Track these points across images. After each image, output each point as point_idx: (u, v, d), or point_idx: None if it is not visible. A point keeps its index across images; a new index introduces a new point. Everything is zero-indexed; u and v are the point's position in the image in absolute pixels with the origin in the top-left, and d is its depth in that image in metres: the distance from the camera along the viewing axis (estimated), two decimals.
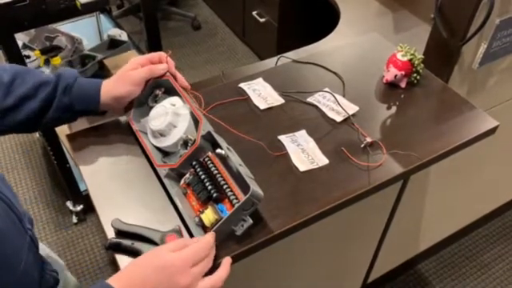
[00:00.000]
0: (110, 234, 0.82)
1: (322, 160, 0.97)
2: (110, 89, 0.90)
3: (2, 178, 0.73)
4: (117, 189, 0.91)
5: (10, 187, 0.75)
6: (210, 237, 0.75)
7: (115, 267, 0.79)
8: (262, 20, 2.59)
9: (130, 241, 0.79)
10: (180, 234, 0.80)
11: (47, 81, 0.88)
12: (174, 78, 0.94)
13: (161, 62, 0.94)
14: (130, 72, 0.91)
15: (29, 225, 0.76)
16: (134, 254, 0.78)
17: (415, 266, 1.98)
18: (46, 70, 2.12)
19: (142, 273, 0.68)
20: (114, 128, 1.00)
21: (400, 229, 1.52)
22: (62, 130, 1.71)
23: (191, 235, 0.80)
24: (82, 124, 1.06)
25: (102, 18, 2.53)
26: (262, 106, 1.09)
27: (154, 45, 1.80)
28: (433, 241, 1.93)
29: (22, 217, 0.72)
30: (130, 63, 0.92)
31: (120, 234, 0.81)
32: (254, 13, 2.63)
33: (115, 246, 0.80)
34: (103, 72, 2.09)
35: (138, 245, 0.79)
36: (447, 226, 1.93)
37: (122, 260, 0.79)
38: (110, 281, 0.66)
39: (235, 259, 0.81)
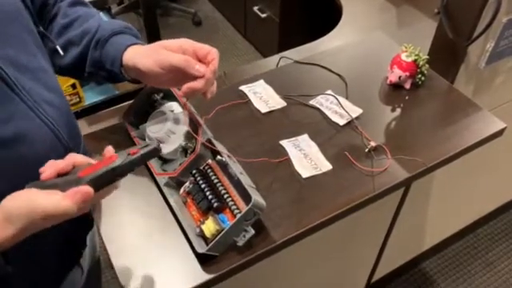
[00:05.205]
0: (107, 238, 0.82)
1: (326, 165, 0.94)
2: (134, 55, 0.79)
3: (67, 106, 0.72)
4: (115, 196, 0.89)
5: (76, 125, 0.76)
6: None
7: (114, 270, 0.79)
8: (263, 15, 2.56)
9: None
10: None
11: (90, 29, 0.81)
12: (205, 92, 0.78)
13: (204, 59, 0.78)
14: (163, 50, 0.77)
15: None
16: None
17: (419, 264, 1.96)
18: None
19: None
20: (112, 135, 0.98)
21: (404, 229, 1.50)
22: None
23: (191, 245, 0.79)
24: None
25: (102, 14, 2.49)
26: (263, 109, 1.06)
27: (153, 42, 1.77)
28: (437, 239, 1.91)
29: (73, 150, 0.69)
30: (174, 41, 0.78)
31: None
32: (256, 8, 2.60)
33: None
34: None
35: None
36: (451, 224, 1.91)
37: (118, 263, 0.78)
38: None
39: (237, 270, 0.79)
